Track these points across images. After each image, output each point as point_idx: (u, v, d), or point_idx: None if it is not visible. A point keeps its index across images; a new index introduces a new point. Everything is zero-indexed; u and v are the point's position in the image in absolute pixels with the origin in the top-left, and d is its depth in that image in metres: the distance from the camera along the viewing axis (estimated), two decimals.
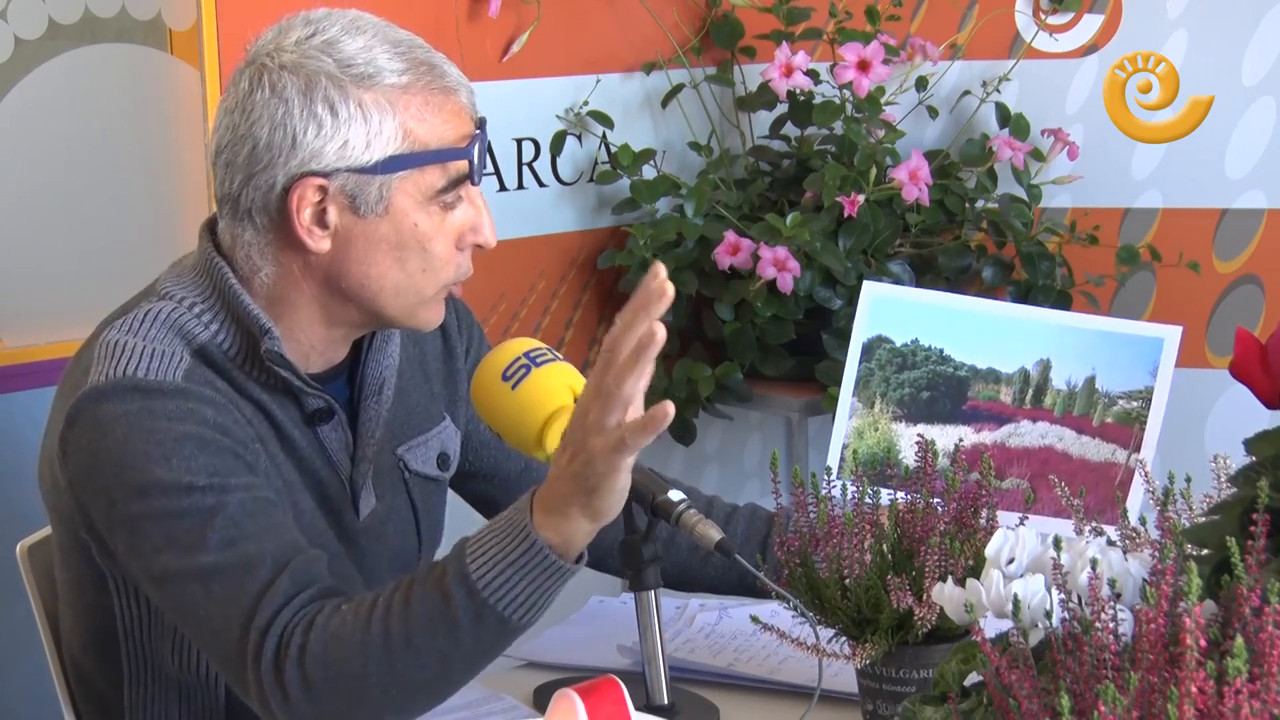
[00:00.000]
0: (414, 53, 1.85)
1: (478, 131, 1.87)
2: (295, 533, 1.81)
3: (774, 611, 1.92)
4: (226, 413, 1.82)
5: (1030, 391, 1.97)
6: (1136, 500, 1.90)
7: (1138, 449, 1.93)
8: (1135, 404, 1.94)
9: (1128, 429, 1.94)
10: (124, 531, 1.79)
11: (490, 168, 3.26)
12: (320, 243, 1.84)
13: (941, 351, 2.00)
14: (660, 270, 1.61)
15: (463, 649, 1.71)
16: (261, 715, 1.76)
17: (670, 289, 1.60)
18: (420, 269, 1.86)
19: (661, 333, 1.59)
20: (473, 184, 1.87)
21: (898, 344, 2.01)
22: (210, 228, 1.91)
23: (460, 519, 2.28)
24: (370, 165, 1.81)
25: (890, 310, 2.02)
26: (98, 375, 1.81)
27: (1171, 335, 1.94)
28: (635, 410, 1.65)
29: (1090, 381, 1.96)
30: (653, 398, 3.50)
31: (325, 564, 1.80)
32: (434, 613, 1.70)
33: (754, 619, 1.85)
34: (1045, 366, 1.97)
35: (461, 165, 1.84)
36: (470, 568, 1.69)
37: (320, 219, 1.83)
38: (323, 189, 1.82)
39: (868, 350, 2.02)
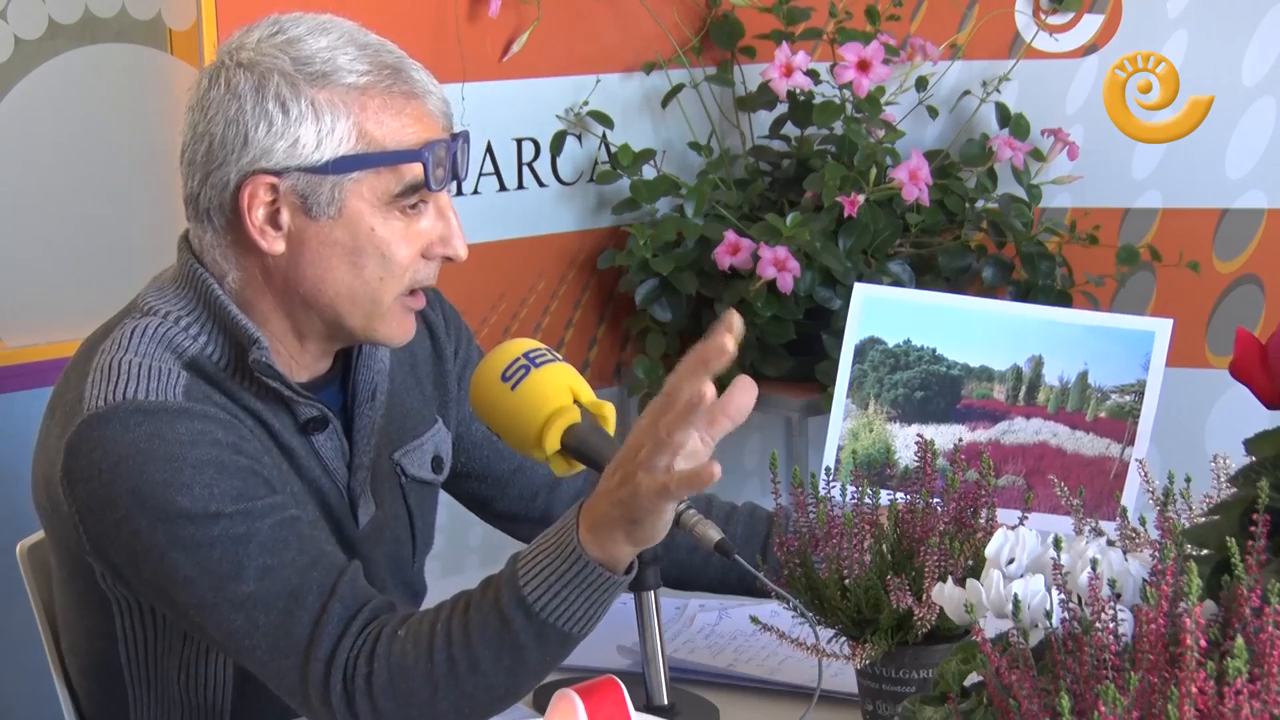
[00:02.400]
0: (381, 56, 1.82)
1: (445, 139, 1.82)
2: (329, 545, 1.80)
3: (774, 612, 1.92)
4: (233, 429, 1.79)
5: (1023, 388, 1.98)
6: (1133, 497, 1.90)
7: (1131, 442, 1.93)
8: (1128, 398, 1.94)
9: (1121, 423, 1.94)
10: (149, 561, 1.76)
11: (490, 168, 3.26)
12: (274, 244, 1.81)
13: (934, 351, 2.00)
14: (733, 322, 1.60)
15: (529, 665, 1.72)
16: None
17: (732, 347, 1.59)
18: (378, 276, 1.82)
19: (710, 393, 1.58)
20: (429, 189, 1.81)
21: (890, 345, 2.01)
22: (187, 239, 1.89)
23: (456, 518, 2.28)
24: (321, 165, 1.78)
25: (882, 311, 2.02)
26: (95, 400, 1.77)
27: (1163, 328, 1.94)
28: (690, 458, 1.62)
29: (1083, 377, 1.96)
30: (653, 395, 3.49)
31: (362, 573, 1.80)
32: (495, 638, 1.70)
33: (754, 619, 1.85)
34: (1037, 363, 1.97)
35: (416, 169, 1.80)
36: (525, 590, 1.69)
37: (274, 220, 1.81)
38: (274, 188, 1.79)
39: (860, 352, 2.02)
